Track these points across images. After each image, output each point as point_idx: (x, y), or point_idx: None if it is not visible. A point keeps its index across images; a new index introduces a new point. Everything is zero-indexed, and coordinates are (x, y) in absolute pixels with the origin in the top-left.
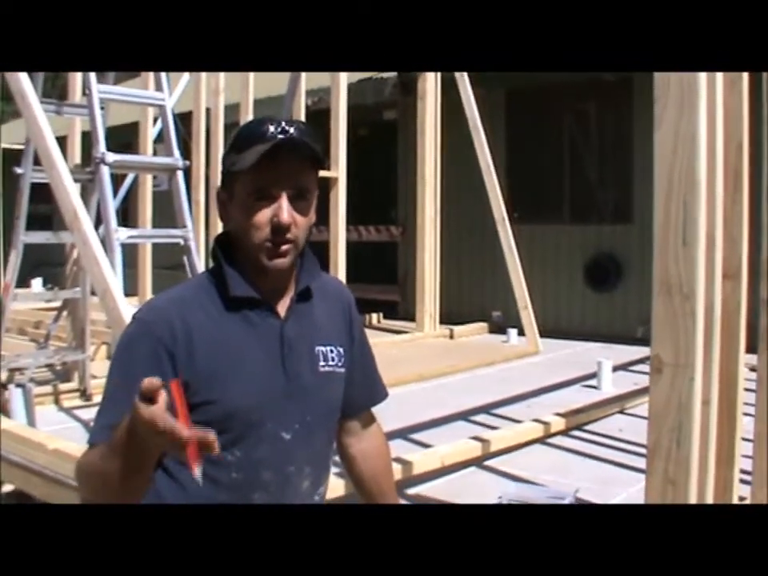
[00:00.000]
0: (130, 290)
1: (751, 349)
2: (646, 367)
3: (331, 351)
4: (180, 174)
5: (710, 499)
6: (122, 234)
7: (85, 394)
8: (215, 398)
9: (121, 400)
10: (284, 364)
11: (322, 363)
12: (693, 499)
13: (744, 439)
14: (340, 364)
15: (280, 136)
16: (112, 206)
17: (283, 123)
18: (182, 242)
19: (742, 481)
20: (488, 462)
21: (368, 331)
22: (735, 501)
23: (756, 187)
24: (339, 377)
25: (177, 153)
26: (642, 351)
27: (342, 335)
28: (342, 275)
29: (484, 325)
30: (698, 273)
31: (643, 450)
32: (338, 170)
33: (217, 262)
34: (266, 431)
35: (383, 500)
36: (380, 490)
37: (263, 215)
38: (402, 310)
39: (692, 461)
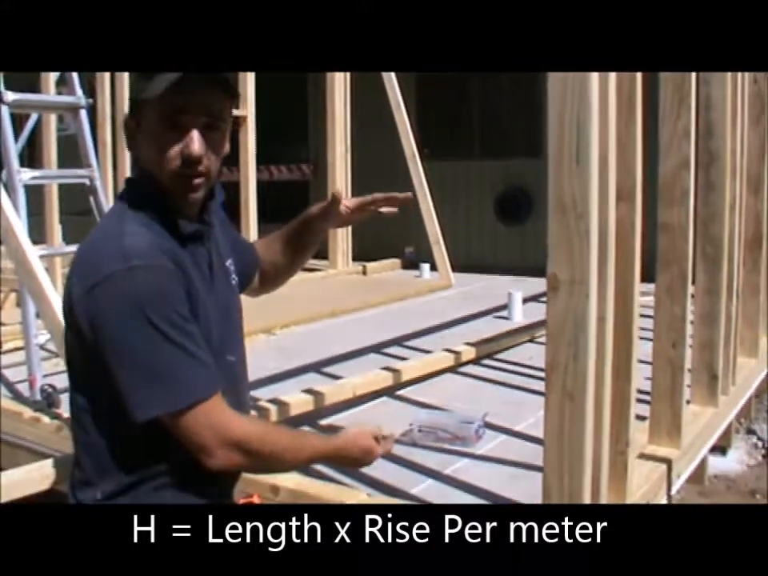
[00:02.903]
0: (38, 237)
1: (646, 278)
2: None
3: (231, 265)
4: (83, 113)
5: (607, 414)
6: (24, 175)
7: None
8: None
9: (200, 346)
10: (216, 289)
11: (232, 278)
12: (590, 413)
13: (640, 361)
14: (235, 274)
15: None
16: (13, 146)
17: None
18: (87, 182)
19: (639, 400)
20: (400, 392)
21: None
22: (632, 417)
23: (650, 113)
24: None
25: (79, 91)
26: None
27: (228, 244)
28: (252, 215)
29: (397, 261)
30: (591, 192)
31: None
32: (247, 109)
33: (145, 200)
34: (224, 361)
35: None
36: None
37: (173, 146)
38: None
39: (588, 375)
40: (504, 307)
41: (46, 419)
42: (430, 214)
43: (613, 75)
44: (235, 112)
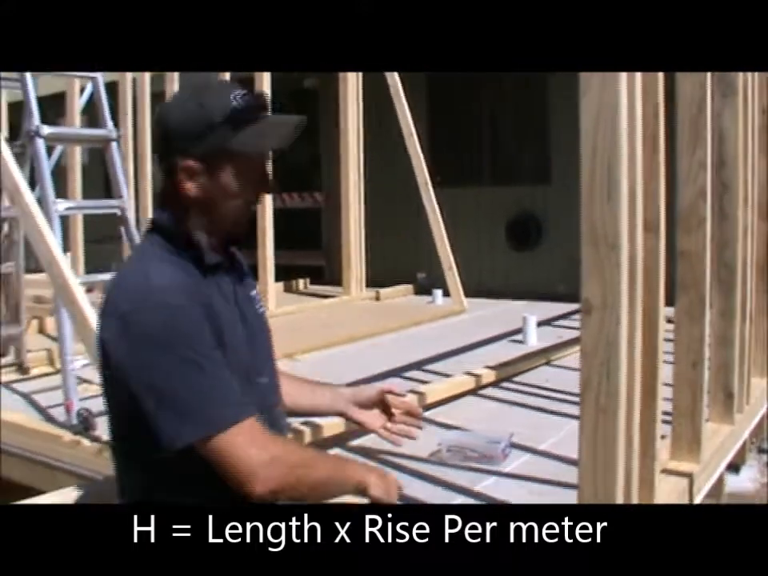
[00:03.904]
0: None
1: (669, 302)
2: (568, 322)
3: (257, 295)
4: (114, 145)
5: (636, 430)
6: (60, 206)
7: (21, 368)
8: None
9: (226, 372)
10: (243, 315)
11: (258, 305)
12: (622, 429)
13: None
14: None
15: (267, 113)
16: (49, 178)
17: (266, 98)
18: (119, 212)
19: (663, 421)
20: (424, 414)
21: (296, 297)
22: (659, 433)
23: (670, 146)
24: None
25: (110, 124)
26: (564, 308)
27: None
28: (269, 243)
29: (409, 287)
30: (621, 226)
31: (569, 398)
32: None
33: (171, 235)
34: (256, 384)
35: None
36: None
37: (251, 193)
38: (328, 274)
39: (620, 392)
40: (518, 331)
41: (85, 442)
42: (443, 240)
43: (639, 113)
44: None
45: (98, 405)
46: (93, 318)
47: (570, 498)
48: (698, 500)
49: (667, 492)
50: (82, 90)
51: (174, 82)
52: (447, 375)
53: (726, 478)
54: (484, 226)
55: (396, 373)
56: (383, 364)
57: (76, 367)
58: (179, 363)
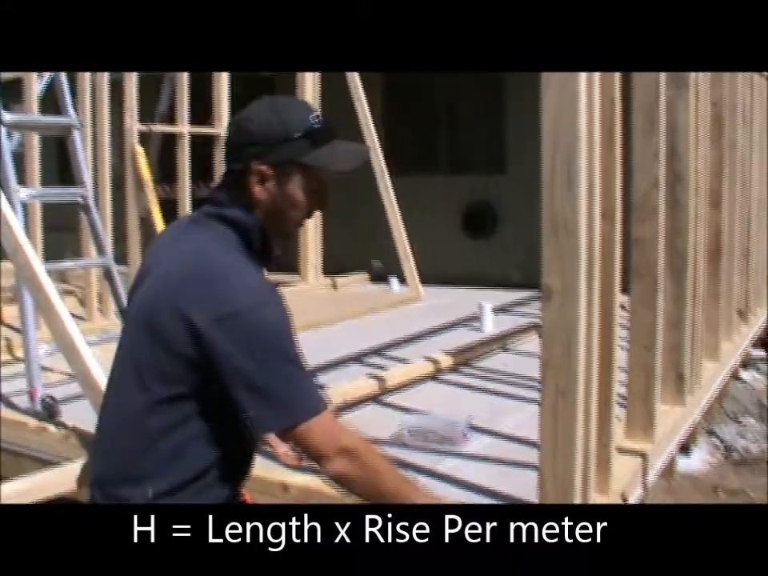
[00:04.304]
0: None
1: (624, 289)
2: (524, 309)
3: None
4: (77, 133)
5: (594, 409)
6: (22, 193)
7: None
8: None
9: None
10: None
11: None
12: (580, 407)
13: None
14: None
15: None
16: (11, 164)
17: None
18: (81, 199)
19: (618, 404)
20: (385, 399)
21: None
22: (614, 413)
23: (627, 138)
24: None
25: (72, 112)
26: (519, 295)
27: None
28: None
29: (365, 275)
30: (580, 214)
31: (526, 382)
32: (221, 127)
33: (251, 231)
34: None
35: None
36: None
37: (309, 206)
38: (284, 261)
39: (579, 373)
40: (475, 318)
41: (52, 428)
42: (399, 228)
43: (597, 108)
44: (209, 130)
45: (61, 392)
46: (60, 304)
47: (530, 477)
48: (651, 477)
49: (623, 469)
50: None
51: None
52: (406, 361)
53: (677, 459)
54: (440, 215)
55: (357, 359)
56: (342, 350)
57: (39, 355)
58: (283, 359)
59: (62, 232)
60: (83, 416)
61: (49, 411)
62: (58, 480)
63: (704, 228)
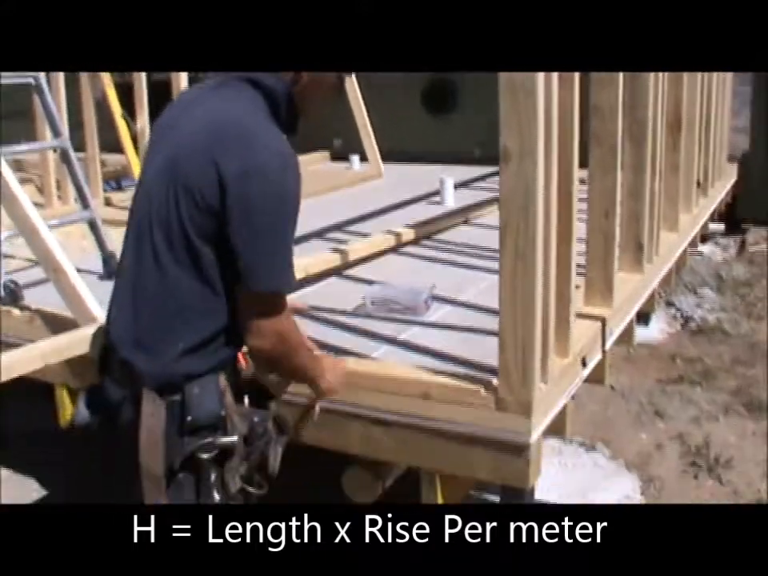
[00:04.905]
0: None
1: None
2: (484, 184)
3: None
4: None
5: (553, 272)
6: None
7: None
8: None
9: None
10: None
11: None
12: (539, 270)
13: None
14: None
15: None
16: None
17: None
18: (32, 81)
19: (578, 273)
20: (347, 272)
21: None
22: (573, 277)
23: None
24: None
25: None
26: (480, 170)
27: None
28: None
29: (326, 153)
30: (537, 74)
31: (488, 254)
32: None
33: (279, 96)
34: None
35: None
36: None
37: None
38: None
39: (537, 236)
40: (436, 193)
41: (16, 312)
42: (359, 105)
43: None
44: None
45: (23, 277)
46: (18, 189)
47: (492, 343)
48: (610, 342)
49: (582, 332)
50: None
51: None
52: (368, 236)
53: (636, 328)
54: (400, 91)
55: (318, 234)
56: (304, 226)
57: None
58: (288, 225)
59: (14, 120)
60: (47, 299)
61: (12, 296)
62: (26, 358)
63: (665, 99)
